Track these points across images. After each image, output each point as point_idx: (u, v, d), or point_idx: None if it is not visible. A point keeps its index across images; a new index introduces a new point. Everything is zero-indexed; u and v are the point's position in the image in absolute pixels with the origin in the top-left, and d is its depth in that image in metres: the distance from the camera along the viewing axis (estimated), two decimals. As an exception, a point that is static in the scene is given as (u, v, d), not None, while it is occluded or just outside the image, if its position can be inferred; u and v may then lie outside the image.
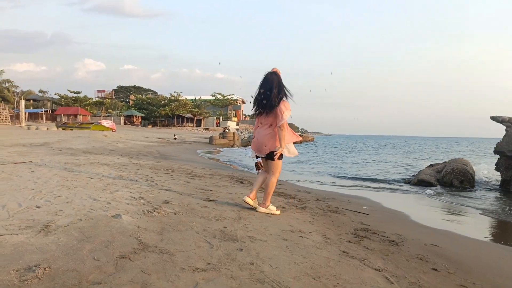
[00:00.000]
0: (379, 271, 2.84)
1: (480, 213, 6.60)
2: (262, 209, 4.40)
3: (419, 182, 10.07)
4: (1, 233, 2.74)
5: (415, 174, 11.73)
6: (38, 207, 3.51)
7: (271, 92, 4.17)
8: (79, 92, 66.95)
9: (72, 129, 29.90)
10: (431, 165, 12.17)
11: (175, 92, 72.98)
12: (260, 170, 4.59)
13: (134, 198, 4.36)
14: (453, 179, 9.91)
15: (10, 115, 35.65)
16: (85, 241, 2.72)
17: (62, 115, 54.31)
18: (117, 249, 2.62)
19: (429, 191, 8.92)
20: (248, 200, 4.45)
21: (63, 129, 29.91)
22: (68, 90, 68.09)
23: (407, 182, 10.69)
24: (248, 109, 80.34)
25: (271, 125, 4.29)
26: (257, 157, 4.68)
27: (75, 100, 65.02)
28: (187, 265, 2.50)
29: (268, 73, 4.29)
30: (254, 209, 4.45)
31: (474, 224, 5.95)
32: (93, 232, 2.93)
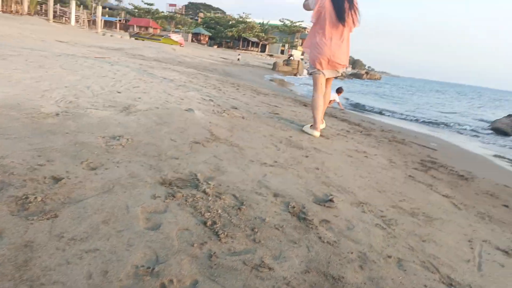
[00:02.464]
0: (447, 197, 2.75)
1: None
2: (305, 127, 4.11)
3: (494, 130, 9.40)
4: (88, 107, 2.97)
5: (490, 122, 10.94)
6: (119, 92, 3.73)
7: None
8: (152, 4, 67.50)
9: (143, 40, 30.66)
10: (509, 115, 11.18)
11: (243, 13, 71.19)
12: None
13: (204, 99, 4.48)
14: (534, 132, 9.11)
15: (88, 20, 37.14)
16: (162, 125, 2.88)
17: (135, 25, 55.44)
18: (191, 136, 2.75)
19: (504, 139, 8.34)
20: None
21: (135, 39, 30.79)
22: (142, 1, 68.77)
23: (482, 128, 10.06)
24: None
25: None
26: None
27: (147, 12, 65.78)
28: (255, 159, 2.58)
29: None
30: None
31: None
32: (169, 119, 3.08)
